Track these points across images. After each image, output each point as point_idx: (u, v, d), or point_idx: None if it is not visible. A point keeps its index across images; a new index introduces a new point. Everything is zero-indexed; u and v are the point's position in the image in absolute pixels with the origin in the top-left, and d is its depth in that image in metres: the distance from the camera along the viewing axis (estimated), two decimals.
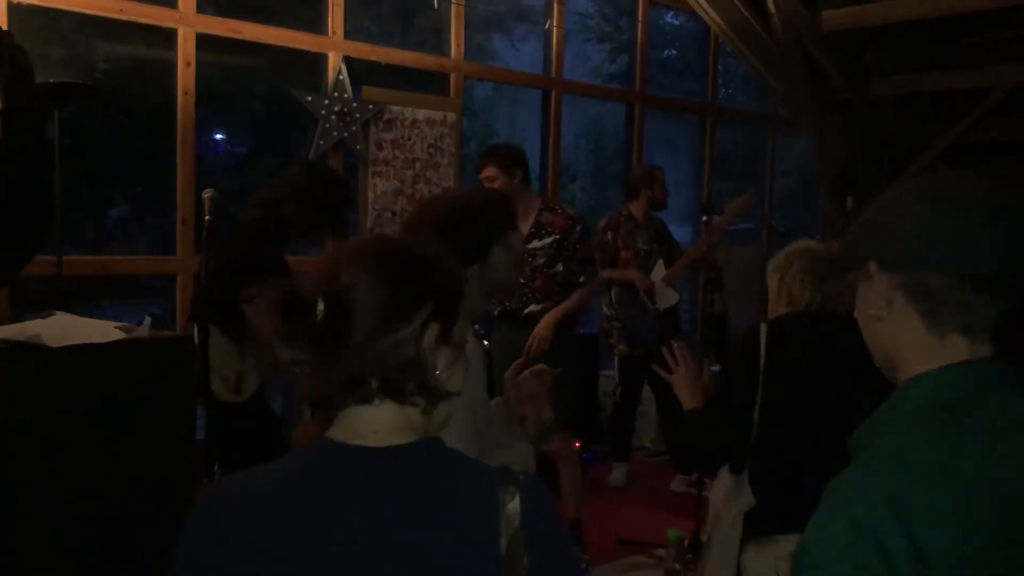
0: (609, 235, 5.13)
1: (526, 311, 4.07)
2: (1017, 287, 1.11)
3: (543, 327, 4.01)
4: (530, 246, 4.02)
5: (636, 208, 5.24)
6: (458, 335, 1.23)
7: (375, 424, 1.16)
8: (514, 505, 1.11)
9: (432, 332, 1.18)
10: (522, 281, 4.04)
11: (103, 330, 2.05)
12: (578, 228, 4.12)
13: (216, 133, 5.50)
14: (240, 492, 1.16)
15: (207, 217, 2.78)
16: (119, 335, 2.04)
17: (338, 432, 1.17)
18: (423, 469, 1.15)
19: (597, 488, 5.24)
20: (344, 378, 1.15)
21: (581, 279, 4.12)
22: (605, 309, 5.20)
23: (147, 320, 2.10)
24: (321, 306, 1.14)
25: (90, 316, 2.23)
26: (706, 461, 2.47)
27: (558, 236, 4.06)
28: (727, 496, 2.33)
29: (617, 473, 5.43)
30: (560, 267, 4.07)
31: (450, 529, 1.11)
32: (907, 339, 1.14)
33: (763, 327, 2.39)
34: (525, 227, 4.03)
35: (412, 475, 1.14)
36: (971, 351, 1.12)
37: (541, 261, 4.05)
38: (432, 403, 1.19)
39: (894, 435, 1.09)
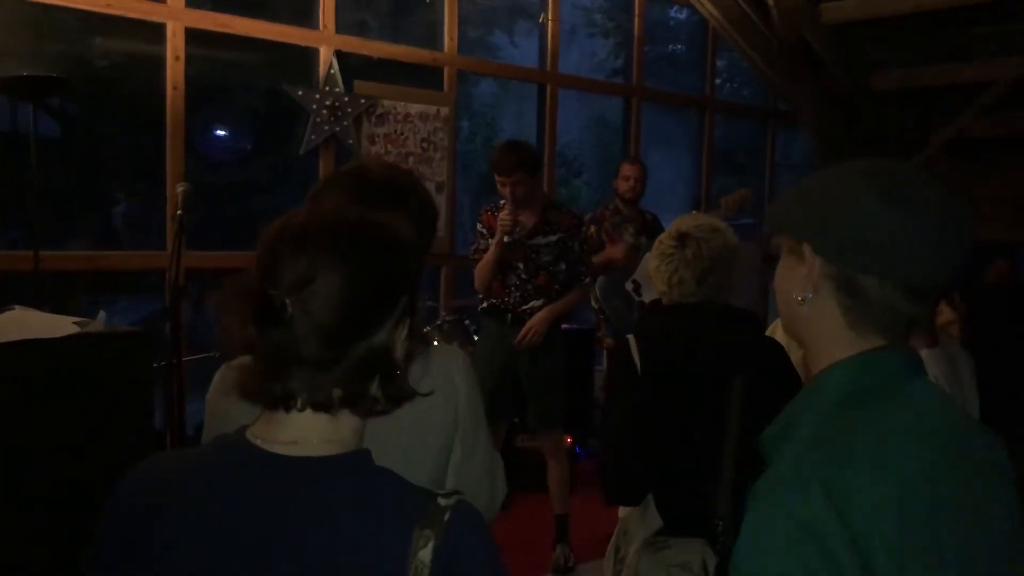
0: (592, 229, 5.04)
1: (526, 307, 4.04)
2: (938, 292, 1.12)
3: (540, 321, 3.99)
4: (533, 242, 4.01)
5: (620, 201, 5.24)
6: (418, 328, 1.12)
7: (298, 433, 1.04)
8: (425, 553, 0.98)
9: (403, 330, 1.06)
10: (524, 277, 4.02)
11: (58, 325, 2.05)
12: (583, 229, 4.15)
13: (211, 129, 5.50)
14: (156, 477, 1.08)
15: (178, 211, 2.77)
16: (74, 330, 2.04)
17: (260, 430, 1.06)
18: (341, 489, 1.02)
19: (590, 484, 5.20)
20: (300, 386, 1.02)
21: (586, 279, 4.17)
22: (592, 302, 5.16)
23: (101, 315, 2.10)
24: (290, 309, 0.98)
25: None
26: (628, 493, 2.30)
27: (564, 235, 4.04)
28: (636, 516, 2.24)
29: None
30: (563, 266, 4.06)
31: (354, 565, 0.99)
32: (826, 328, 1.13)
33: (630, 338, 2.39)
34: (531, 222, 4.03)
35: (327, 495, 1.01)
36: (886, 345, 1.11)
37: (547, 258, 4.03)
38: (394, 407, 1.07)
39: (816, 427, 1.06)
